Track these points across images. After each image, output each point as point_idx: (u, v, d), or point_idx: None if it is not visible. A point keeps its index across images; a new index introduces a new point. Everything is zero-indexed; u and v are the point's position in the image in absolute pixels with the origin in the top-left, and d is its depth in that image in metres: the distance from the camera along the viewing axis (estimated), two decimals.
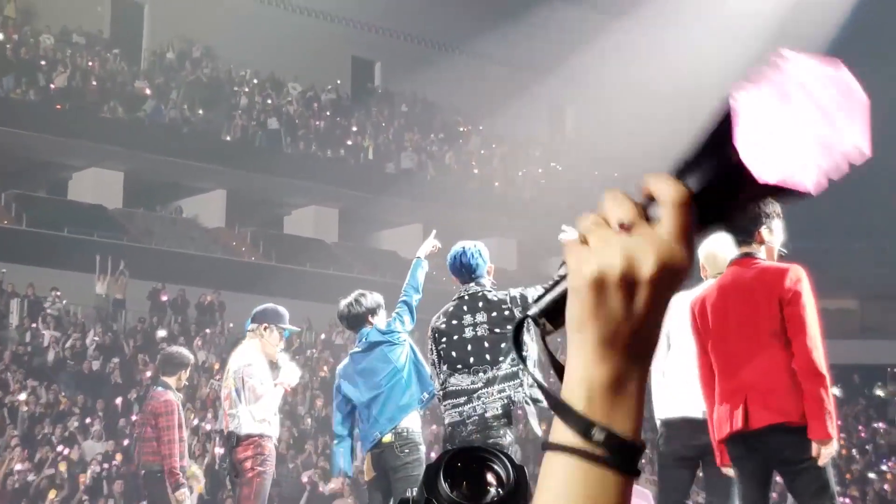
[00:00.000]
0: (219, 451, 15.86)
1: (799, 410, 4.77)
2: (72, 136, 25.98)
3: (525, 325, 0.99)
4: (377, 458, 6.95)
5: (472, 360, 5.96)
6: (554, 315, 0.97)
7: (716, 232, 0.94)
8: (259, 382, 7.76)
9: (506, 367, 5.92)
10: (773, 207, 5.11)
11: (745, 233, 5.07)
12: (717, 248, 5.75)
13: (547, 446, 0.94)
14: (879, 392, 29.50)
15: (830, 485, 4.81)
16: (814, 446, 4.74)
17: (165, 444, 8.57)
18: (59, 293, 22.20)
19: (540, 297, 0.98)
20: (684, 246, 0.88)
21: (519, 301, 5.98)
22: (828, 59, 0.87)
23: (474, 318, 6.01)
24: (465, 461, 1.54)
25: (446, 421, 6.01)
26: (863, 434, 25.73)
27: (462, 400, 5.93)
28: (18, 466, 16.19)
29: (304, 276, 26.69)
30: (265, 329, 7.92)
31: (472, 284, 6.13)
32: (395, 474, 6.82)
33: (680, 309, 5.53)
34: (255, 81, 30.99)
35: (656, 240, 0.88)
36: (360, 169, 30.14)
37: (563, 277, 0.96)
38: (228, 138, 28.84)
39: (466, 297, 6.10)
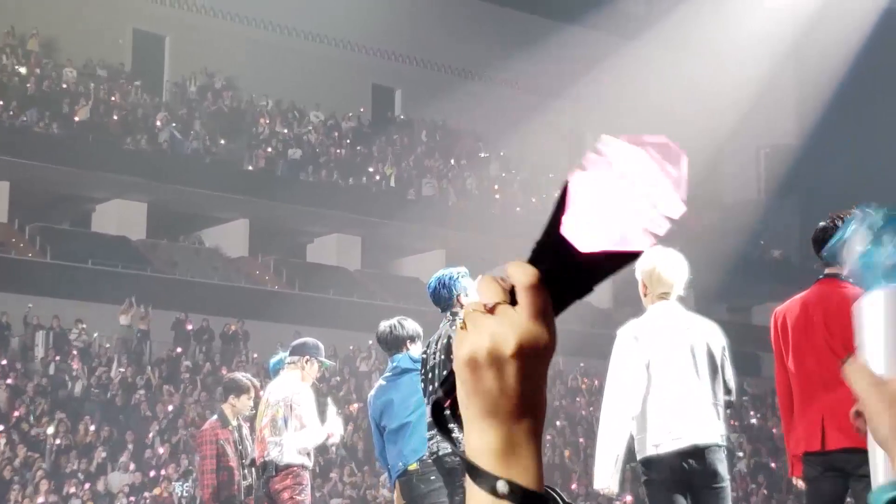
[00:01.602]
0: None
1: None
2: (95, 169, 26.13)
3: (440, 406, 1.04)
4: (405, 486, 6.93)
5: None
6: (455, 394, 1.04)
7: (576, 301, 1.00)
8: (307, 412, 7.77)
9: None
10: None
11: (833, 256, 5.03)
12: (661, 266, 5.26)
13: None
14: None
15: None
16: None
17: (201, 474, 8.59)
18: (84, 325, 22.27)
19: (443, 381, 1.04)
20: (540, 323, 0.98)
21: None
22: (638, 141, 1.00)
23: None
24: None
25: (448, 464, 5.92)
26: None
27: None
28: (43, 500, 16.20)
29: (327, 303, 26.71)
30: (307, 361, 7.95)
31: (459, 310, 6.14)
32: (423, 502, 6.79)
33: (659, 340, 5.28)
34: (277, 111, 31.13)
35: (515, 320, 0.98)
36: (381, 196, 30.20)
37: None
38: (250, 168, 28.96)
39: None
